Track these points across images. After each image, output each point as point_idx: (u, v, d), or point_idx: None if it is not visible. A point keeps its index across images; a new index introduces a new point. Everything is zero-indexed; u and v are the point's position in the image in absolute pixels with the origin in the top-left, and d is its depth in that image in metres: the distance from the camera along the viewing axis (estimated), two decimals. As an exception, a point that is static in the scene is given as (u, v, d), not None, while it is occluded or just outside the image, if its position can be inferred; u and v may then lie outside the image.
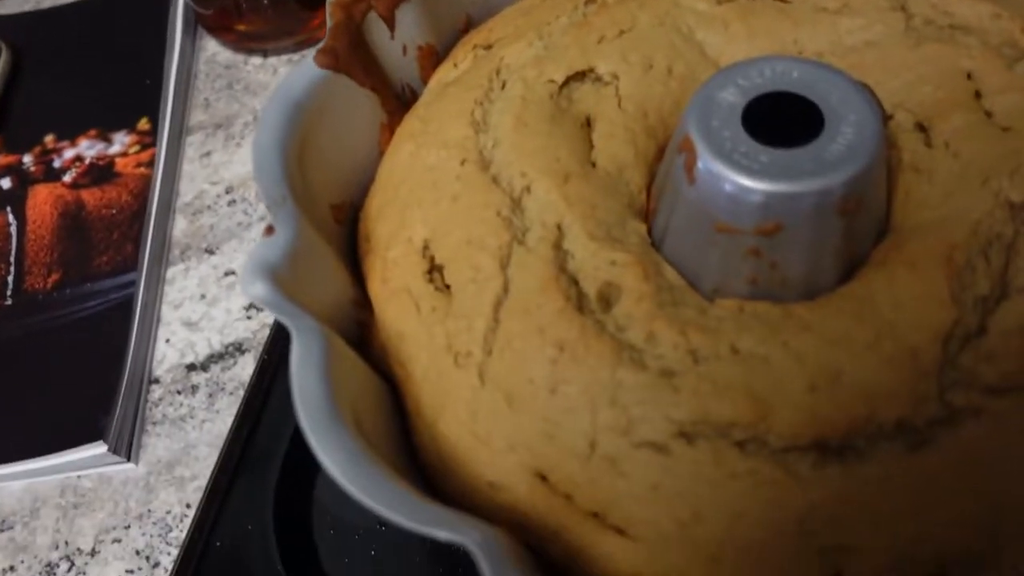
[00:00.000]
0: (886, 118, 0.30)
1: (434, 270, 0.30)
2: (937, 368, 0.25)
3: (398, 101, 0.36)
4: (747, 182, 0.26)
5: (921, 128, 0.30)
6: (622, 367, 0.26)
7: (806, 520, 0.24)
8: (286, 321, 0.25)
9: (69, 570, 0.36)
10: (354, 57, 0.33)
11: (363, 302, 0.32)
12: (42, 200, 0.46)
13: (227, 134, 0.49)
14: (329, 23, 0.32)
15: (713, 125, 0.27)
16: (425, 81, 0.37)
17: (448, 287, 0.29)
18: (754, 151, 0.26)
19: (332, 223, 0.32)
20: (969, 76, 0.30)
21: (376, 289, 0.31)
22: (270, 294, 0.26)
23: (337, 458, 0.22)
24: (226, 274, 0.43)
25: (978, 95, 0.30)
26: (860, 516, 0.24)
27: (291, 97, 0.31)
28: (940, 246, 0.26)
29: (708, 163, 0.26)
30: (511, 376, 0.27)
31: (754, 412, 0.25)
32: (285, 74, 0.51)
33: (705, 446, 0.25)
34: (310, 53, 0.52)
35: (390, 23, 0.34)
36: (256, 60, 0.53)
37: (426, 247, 0.31)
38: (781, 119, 0.28)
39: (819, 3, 0.33)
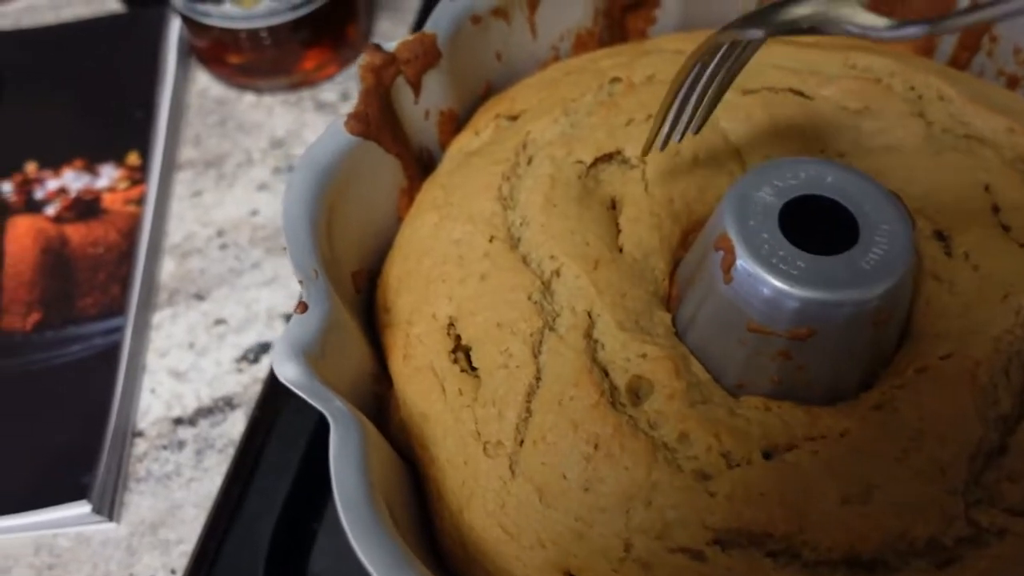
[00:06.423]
0: (911, 226, 0.31)
1: (459, 350, 0.30)
2: (963, 486, 0.25)
3: (418, 166, 0.35)
4: (785, 287, 0.26)
5: (940, 236, 0.31)
6: (657, 468, 0.26)
7: (839, 635, 0.24)
8: (319, 406, 0.24)
9: (39, 635, 0.34)
10: (383, 123, 0.32)
11: (381, 375, 0.31)
12: (22, 232, 0.43)
13: (219, 173, 0.48)
14: (360, 87, 0.32)
15: (750, 225, 0.27)
16: (443, 146, 0.37)
17: (475, 369, 0.29)
18: (792, 256, 0.27)
19: (352, 291, 0.32)
20: (987, 189, 0.31)
21: (397, 365, 0.30)
22: (303, 377, 0.25)
23: (382, 563, 0.21)
24: (216, 322, 0.42)
25: (996, 209, 0.31)
26: (892, 633, 0.24)
27: (320, 164, 0.30)
28: (964, 362, 0.27)
29: (747, 265, 0.26)
30: (544, 470, 0.26)
31: (789, 523, 0.25)
32: (306, 132, 0.50)
33: (739, 555, 0.25)
34: (307, 95, 0.52)
35: (416, 88, 0.34)
36: (250, 98, 0.52)
37: (451, 325, 0.30)
38: (813, 220, 0.28)
39: (840, 102, 0.34)
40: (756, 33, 0.26)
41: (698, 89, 0.28)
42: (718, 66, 0.28)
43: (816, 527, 0.25)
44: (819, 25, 0.25)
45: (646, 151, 0.30)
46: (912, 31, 0.23)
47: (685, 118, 0.29)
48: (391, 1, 0.56)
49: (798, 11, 0.25)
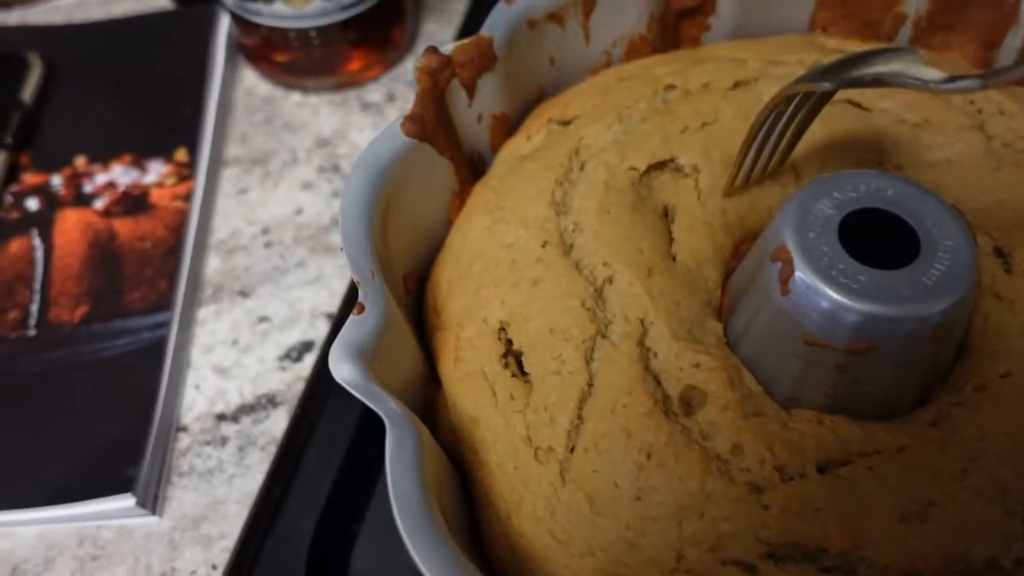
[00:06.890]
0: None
1: (510, 354, 0.30)
2: (1023, 507, 0.25)
3: (469, 169, 0.35)
4: (846, 301, 0.26)
5: (1000, 253, 0.30)
6: (711, 479, 0.25)
7: (895, 655, 0.24)
8: (375, 407, 0.24)
9: (82, 627, 0.35)
10: (438, 125, 0.32)
11: (430, 378, 0.31)
12: (71, 226, 0.44)
13: (264, 171, 0.48)
14: (416, 89, 0.32)
15: (809, 237, 0.27)
16: (494, 149, 0.37)
17: (526, 375, 0.29)
18: (852, 269, 0.26)
19: (404, 293, 0.32)
20: (1049, 206, 0.31)
21: (447, 368, 0.30)
22: (358, 377, 0.25)
23: (439, 567, 0.21)
24: (260, 320, 0.42)
25: (1058, 226, 0.30)
26: (950, 656, 0.23)
27: (377, 164, 0.30)
28: (1025, 381, 0.27)
29: (806, 277, 0.26)
30: (595, 478, 0.26)
31: (846, 539, 0.24)
32: (362, 134, 0.50)
33: (793, 569, 0.24)
34: (353, 95, 0.52)
35: (471, 91, 0.34)
36: (296, 97, 0.52)
37: (502, 329, 0.30)
38: (872, 233, 0.28)
39: (900, 115, 0.34)
40: (826, 85, 0.27)
41: (775, 134, 0.30)
42: (792, 113, 0.29)
43: (873, 544, 0.24)
44: (883, 78, 0.26)
45: (728, 192, 0.32)
46: (965, 84, 0.25)
47: (764, 158, 0.31)
48: (437, 3, 0.57)
49: (869, 68, 0.27)
